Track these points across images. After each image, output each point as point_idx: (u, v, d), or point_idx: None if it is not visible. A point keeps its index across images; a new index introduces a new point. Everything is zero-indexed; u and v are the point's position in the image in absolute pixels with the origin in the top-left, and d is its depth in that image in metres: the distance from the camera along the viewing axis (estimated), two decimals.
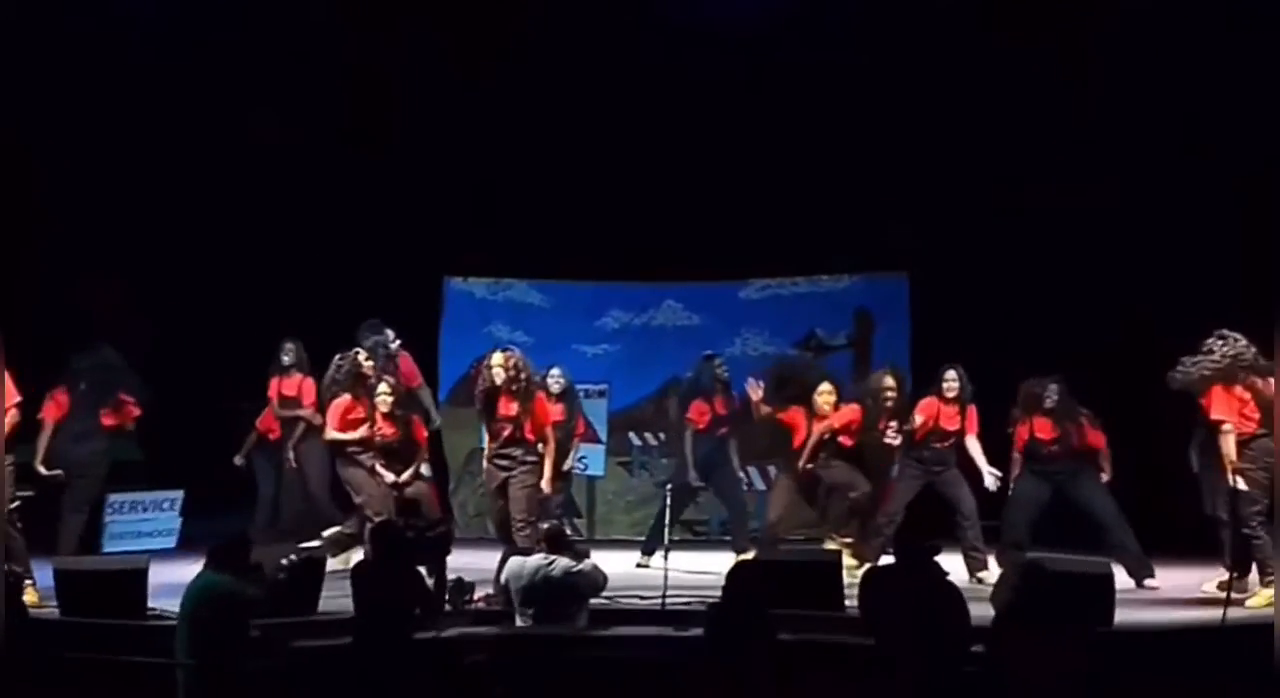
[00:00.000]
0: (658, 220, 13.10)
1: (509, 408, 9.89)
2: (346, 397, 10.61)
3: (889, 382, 10.83)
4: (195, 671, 7.39)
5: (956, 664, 7.00)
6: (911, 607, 7.06)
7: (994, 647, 6.99)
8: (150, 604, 8.89)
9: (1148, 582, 10.31)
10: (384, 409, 10.71)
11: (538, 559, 8.75)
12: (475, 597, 9.28)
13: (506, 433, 9.90)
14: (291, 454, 11.49)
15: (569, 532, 12.13)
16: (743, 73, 12.96)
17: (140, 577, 8.96)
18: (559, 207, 13.18)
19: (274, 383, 11.70)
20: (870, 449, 11.08)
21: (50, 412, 10.55)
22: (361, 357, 10.49)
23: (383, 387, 10.72)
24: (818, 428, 10.86)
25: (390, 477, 10.69)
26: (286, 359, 11.61)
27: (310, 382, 11.50)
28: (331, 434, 10.64)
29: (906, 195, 12.91)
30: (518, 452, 9.93)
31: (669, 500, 10.49)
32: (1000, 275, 12.80)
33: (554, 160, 13.07)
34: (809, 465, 10.87)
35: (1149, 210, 12.27)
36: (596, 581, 8.84)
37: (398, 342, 11.28)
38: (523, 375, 9.91)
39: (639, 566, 11.23)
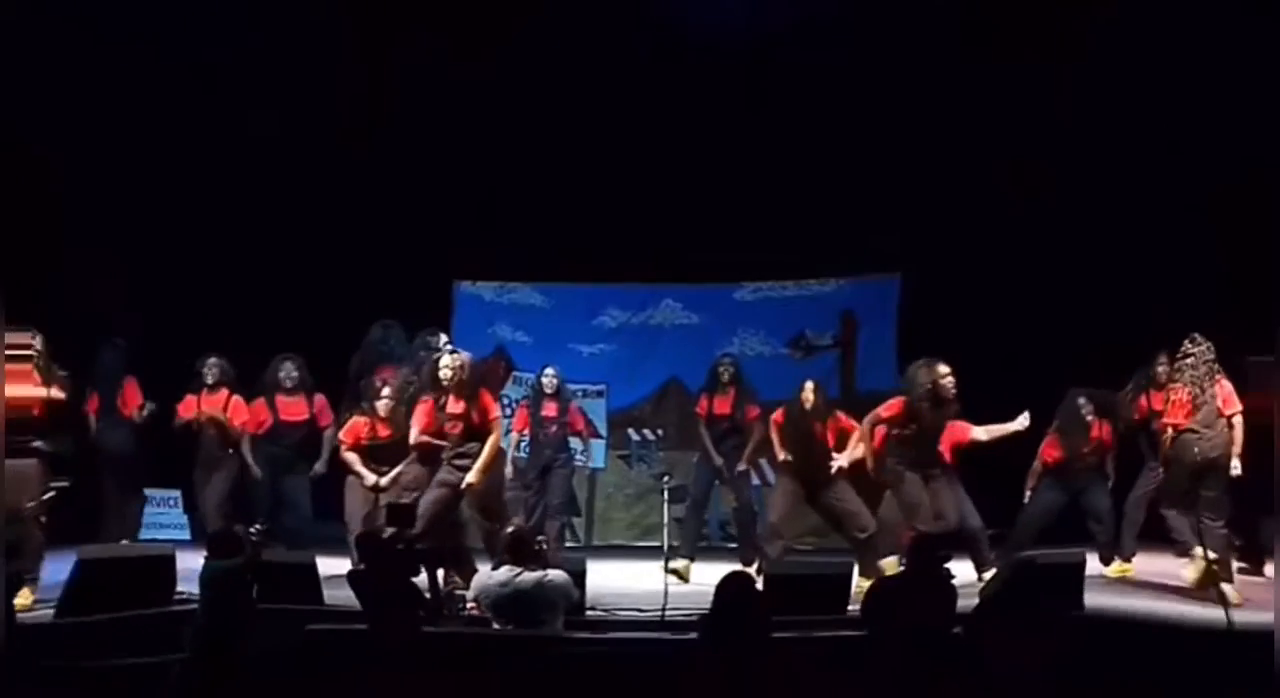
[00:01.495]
0: (656, 224, 13.22)
1: (457, 406, 10.07)
2: (429, 399, 10.32)
3: (943, 368, 10.19)
4: (210, 651, 7.27)
5: (933, 648, 7.08)
6: (909, 607, 7.24)
7: (971, 630, 7.29)
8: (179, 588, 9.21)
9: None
10: (384, 413, 10.78)
11: (504, 573, 8.34)
12: (469, 605, 8.97)
13: (458, 431, 10.08)
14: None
15: (566, 534, 12.26)
16: (738, 81, 13.02)
17: (169, 563, 9.29)
18: (561, 214, 13.26)
19: (190, 401, 11.35)
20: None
21: (90, 405, 11.48)
22: (443, 361, 10.25)
23: (385, 390, 10.77)
24: (865, 425, 10.42)
25: (371, 479, 10.68)
26: (211, 377, 11.30)
27: (238, 398, 11.31)
28: (416, 437, 10.27)
29: (897, 199, 12.98)
30: (474, 448, 10.05)
31: (667, 495, 10.52)
32: (988, 277, 12.83)
33: (555, 166, 13.16)
34: (877, 472, 10.41)
35: (1137, 212, 12.38)
36: (569, 591, 8.47)
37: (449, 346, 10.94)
38: (466, 377, 10.04)
39: (671, 571, 10.64)
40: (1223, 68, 11.57)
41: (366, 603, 8.00)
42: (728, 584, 6.75)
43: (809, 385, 10.76)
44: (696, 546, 11.59)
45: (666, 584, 9.39)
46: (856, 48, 12.70)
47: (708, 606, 7.08)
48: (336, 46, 12.66)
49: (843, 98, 12.83)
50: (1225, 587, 9.31)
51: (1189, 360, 10.04)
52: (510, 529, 8.79)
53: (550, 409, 11.75)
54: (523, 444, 11.89)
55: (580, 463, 12.35)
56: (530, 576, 8.27)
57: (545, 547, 8.71)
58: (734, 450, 11.61)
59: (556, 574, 8.37)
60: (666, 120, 13.10)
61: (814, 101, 12.93)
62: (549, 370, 11.80)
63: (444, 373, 10.04)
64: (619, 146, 13.16)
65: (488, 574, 8.42)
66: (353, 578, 8.30)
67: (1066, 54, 12.17)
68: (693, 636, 7.14)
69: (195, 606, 8.08)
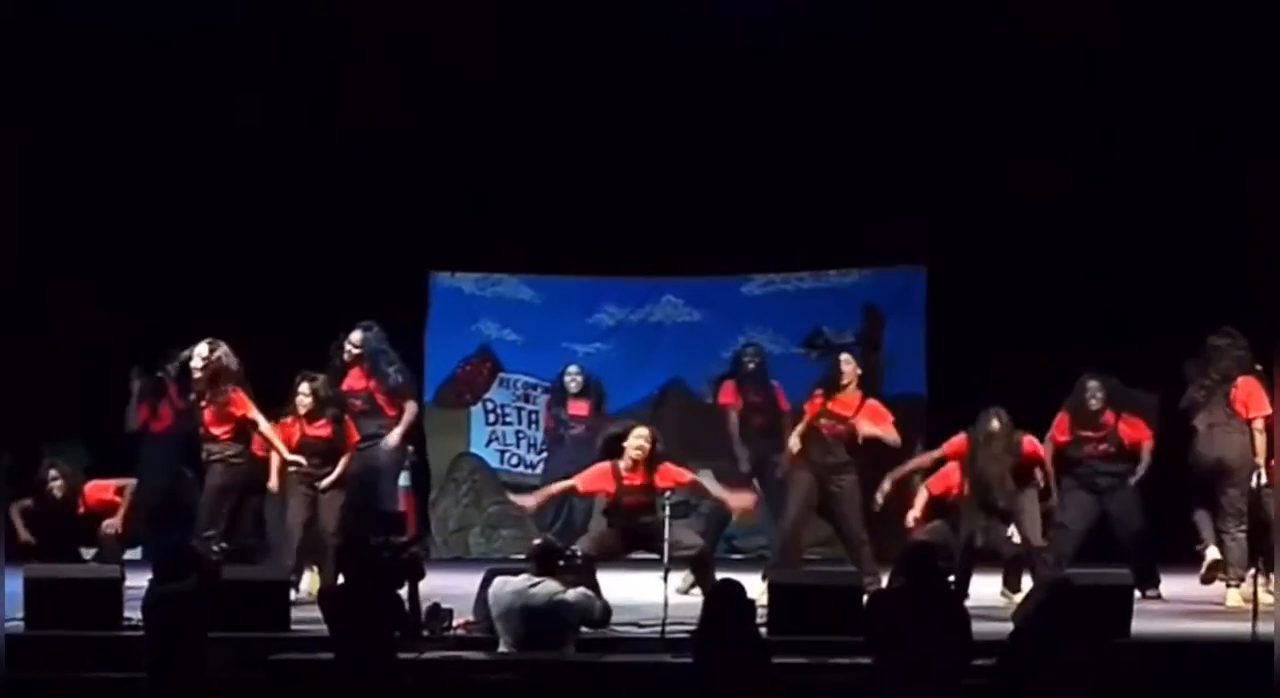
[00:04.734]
0: (656, 213, 13.13)
1: (199, 400, 10.33)
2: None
3: (995, 425, 10.11)
4: (168, 681, 7.52)
5: (954, 681, 7.12)
6: (915, 628, 7.16)
7: (1007, 661, 7.11)
8: (127, 615, 8.97)
9: (1149, 591, 10.56)
10: (303, 411, 10.72)
11: (520, 581, 8.47)
12: (454, 624, 9.00)
13: (202, 429, 10.37)
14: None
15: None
16: (747, 53, 12.91)
17: (114, 586, 9.10)
18: (550, 197, 13.18)
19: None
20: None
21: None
22: (196, 350, 10.48)
23: (303, 386, 10.76)
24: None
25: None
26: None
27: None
28: None
29: (922, 185, 12.94)
30: (203, 452, 10.33)
31: (669, 512, 10.03)
32: (1020, 268, 12.80)
33: (545, 147, 13.07)
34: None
35: (1175, 198, 12.43)
36: (587, 610, 8.57)
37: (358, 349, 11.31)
38: (218, 369, 10.24)
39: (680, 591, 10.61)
40: (1262, 48, 11.71)
41: (335, 628, 7.77)
42: (717, 594, 7.01)
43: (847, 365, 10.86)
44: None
45: (666, 598, 9.24)
46: (877, 19, 12.76)
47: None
48: (307, 18, 12.70)
49: (861, 77, 12.80)
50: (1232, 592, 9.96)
51: (1211, 356, 10.30)
52: (539, 541, 9.02)
53: (579, 408, 12.03)
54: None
55: None
56: (545, 589, 8.37)
57: (578, 560, 8.83)
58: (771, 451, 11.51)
59: (576, 591, 8.48)
60: (668, 98, 13.02)
61: (830, 79, 12.89)
62: (572, 368, 12.09)
63: (195, 363, 10.19)
64: (614, 127, 13.07)
65: (505, 581, 8.54)
66: (324, 597, 8.15)
67: (1099, 32, 12.30)
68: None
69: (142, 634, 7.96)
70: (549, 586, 8.43)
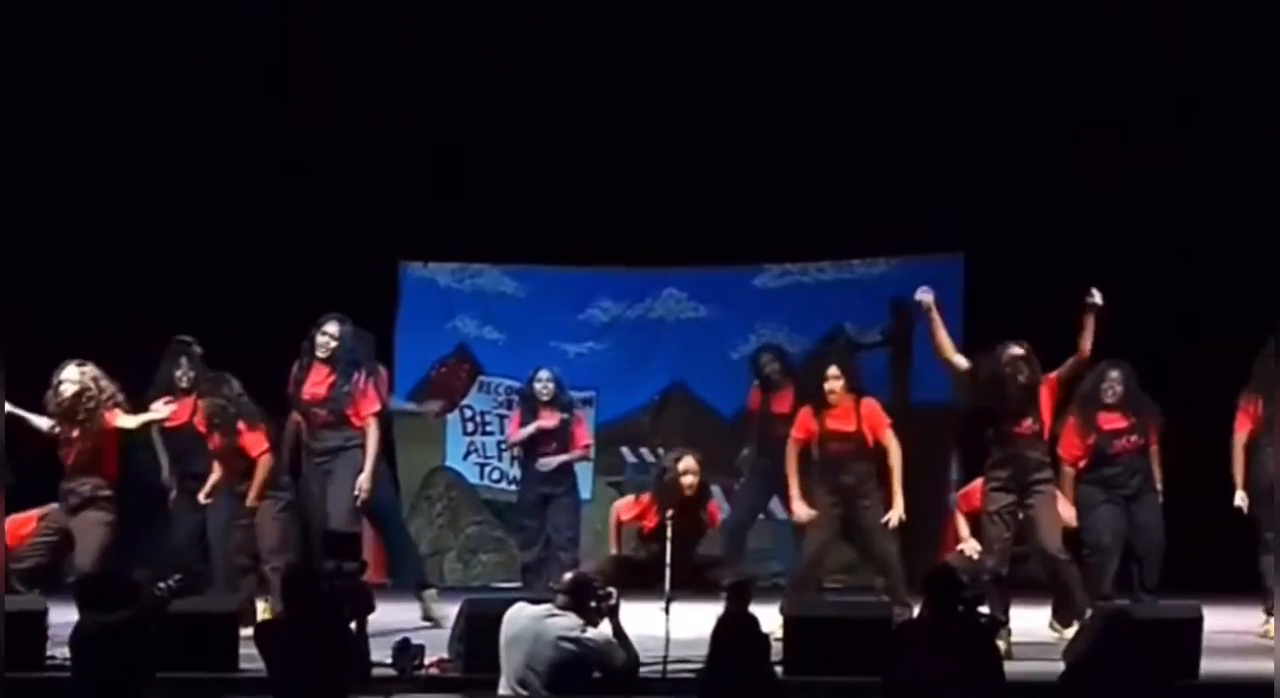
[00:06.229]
0: (657, 194, 12.94)
1: (70, 430, 10.06)
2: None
3: (1016, 350, 9.93)
4: None
5: None
6: (935, 663, 7.07)
7: None
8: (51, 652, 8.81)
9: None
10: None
11: (540, 609, 8.23)
12: (426, 662, 8.84)
13: (70, 461, 10.08)
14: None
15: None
16: (760, 14, 12.70)
17: (38, 619, 8.86)
18: (537, 178, 13.01)
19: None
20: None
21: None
22: (65, 374, 10.23)
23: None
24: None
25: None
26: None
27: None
28: None
29: (958, 165, 12.74)
30: (85, 486, 10.02)
31: (670, 533, 9.89)
32: (1068, 257, 12.33)
33: (531, 121, 12.93)
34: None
35: (1236, 178, 12.28)
36: (607, 654, 8.22)
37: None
38: (93, 394, 10.02)
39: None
40: None
41: (278, 664, 7.55)
42: (726, 628, 7.22)
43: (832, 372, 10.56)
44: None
45: (668, 633, 8.97)
46: None
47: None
48: None
49: (890, 39, 12.68)
50: None
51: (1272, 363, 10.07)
52: (571, 575, 8.68)
53: (549, 420, 11.75)
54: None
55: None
56: (566, 622, 8.04)
57: (612, 602, 8.41)
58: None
59: (597, 633, 8.12)
60: (671, 66, 12.85)
61: (854, 42, 12.76)
62: (543, 373, 11.75)
63: (66, 388, 10.02)
64: (609, 98, 12.92)
65: (522, 606, 8.32)
66: (262, 633, 7.91)
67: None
68: None
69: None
70: (571, 619, 8.11)
